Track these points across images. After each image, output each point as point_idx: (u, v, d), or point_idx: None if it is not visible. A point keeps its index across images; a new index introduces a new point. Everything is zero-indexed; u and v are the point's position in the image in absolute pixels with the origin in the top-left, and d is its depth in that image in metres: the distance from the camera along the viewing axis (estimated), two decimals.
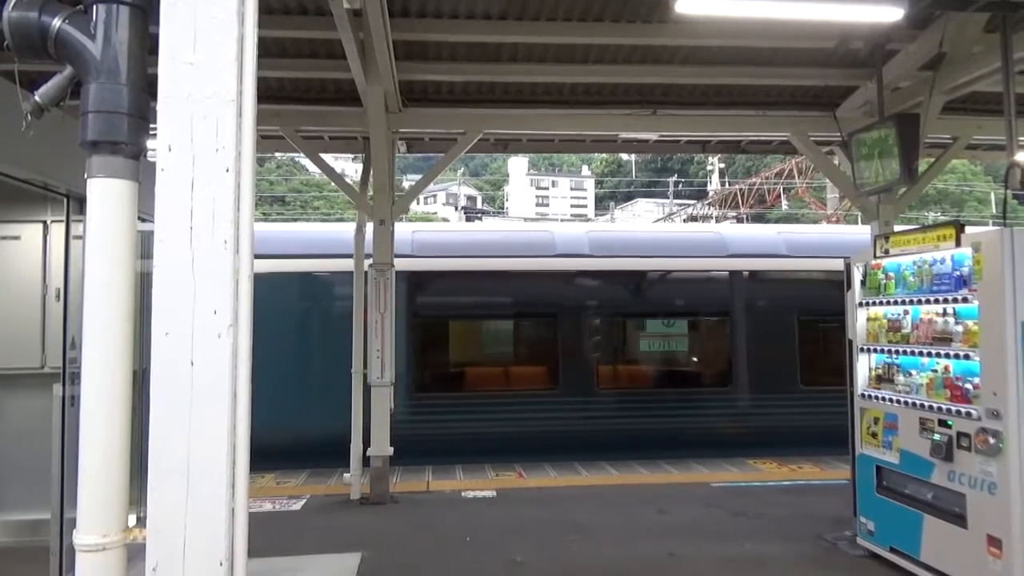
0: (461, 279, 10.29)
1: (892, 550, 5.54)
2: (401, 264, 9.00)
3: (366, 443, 7.77)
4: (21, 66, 2.53)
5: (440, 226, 15.71)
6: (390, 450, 7.73)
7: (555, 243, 10.64)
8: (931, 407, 5.19)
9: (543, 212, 73.30)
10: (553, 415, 9.77)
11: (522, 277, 10.36)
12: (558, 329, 10.23)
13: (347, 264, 8.48)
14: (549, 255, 10.40)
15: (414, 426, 9.33)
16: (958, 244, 5.00)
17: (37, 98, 2.54)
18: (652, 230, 16.99)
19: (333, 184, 10.57)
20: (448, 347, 10.72)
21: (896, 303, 5.69)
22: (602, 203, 67.43)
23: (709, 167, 40.96)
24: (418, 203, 54.30)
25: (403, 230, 9.98)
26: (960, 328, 5.03)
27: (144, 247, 2.63)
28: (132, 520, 2.40)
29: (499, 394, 10.11)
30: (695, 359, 10.88)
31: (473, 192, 71.41)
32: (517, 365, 10.56)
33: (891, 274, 5.80)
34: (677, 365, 10.77)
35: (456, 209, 55.62)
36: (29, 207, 5.38)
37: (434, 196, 68.33)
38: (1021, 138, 6.08)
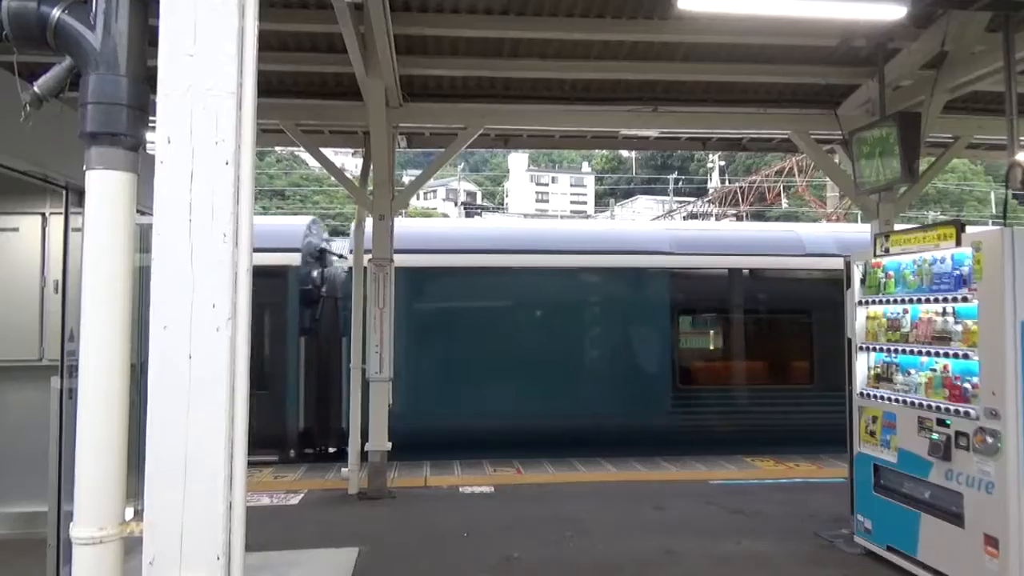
0: (716, 275, 10.67)
1: (889, 548, 5.54)
2: (661, 261, 9.86)
3: (365, 438, 7.78)
4: (20, 57, 2.52)
5: (693, 224, 16.10)
6: (388, 445, 7.73)
7: (803, 243, 10.93)
8: (930, 406, 5.19)
9: (543, 209, 73.29)
10: (809, 409, 9.90)
11: (776, 275, 10.76)
12: (812, 325, 10.49)
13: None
14: (799, 254, 10.69)
15: (678, 417, 9.82)
16: (958, 243, 5.00)
17: (36, 89, 2.53)
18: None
19: (333, 179, 10.55)
20: (709, 341, 10.92)
21: (896, 302, 5.69)
22: (602, 200, 67.46)
23: (709, 164, 40.99)
24: (418, 198, 54.32)
25: (657, 228, 10.58)
26: (959, 327, 5.03)
27: (143, 240, 2.62)
28: (130, 513, 2.39)
29: (760, 388, 10.44)
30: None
31: (473, 188, 71.37)
32: (773, 360, 10.79)
33: (891, 273, 5.79)
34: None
35: (456, 205, 55.59)
36: (28, 199, 5.36)
37: (434, 191, 68.29)
38: (1022, 138, 6.07)
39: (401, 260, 8.28)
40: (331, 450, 10.26)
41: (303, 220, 10.99)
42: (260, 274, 7.62)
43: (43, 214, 5.45)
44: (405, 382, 9.35)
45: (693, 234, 11.65)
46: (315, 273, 10.50)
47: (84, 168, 2.34)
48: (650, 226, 14.38)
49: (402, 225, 8.93)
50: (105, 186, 2.32)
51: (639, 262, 10.38)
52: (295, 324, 9.88)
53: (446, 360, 9.92)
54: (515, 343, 9.99)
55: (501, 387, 9.81)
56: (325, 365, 10.15)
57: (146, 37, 2.44)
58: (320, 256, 10.67)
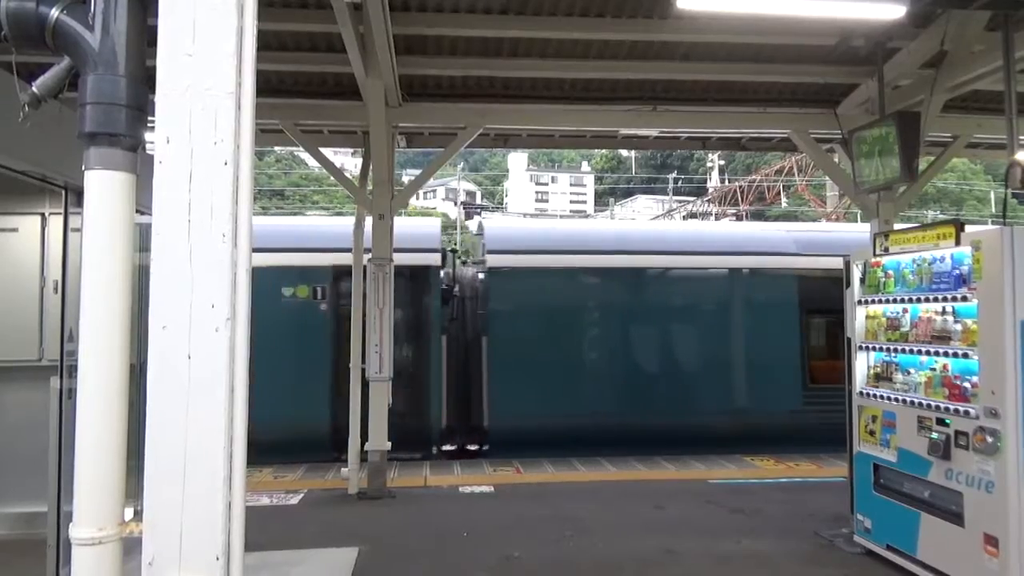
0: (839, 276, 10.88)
1: (889, 548, 5.54)
2: (788, 262, 10.01)
3: (364, 438, 7.78)
4: (19, 57, 2.52)
5: (813, 226, 16.26)
6: (387, 444, 7.73)
7: None
8: (929, 405, 5.19)
9: (542, 208, 73.27)
10: None
11: None
12: None
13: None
14: None
15: (806, 416, 9.84)
16: (958, 243, 4.99)
17: (35, 89, 2.52)
18: None
19: (332, 178, 10.56)
20: (835, 341, 10.83)
21: (895, 301, 5.69)
22: (602, 199, 67.41)
23: (709, 164, 40.97)
24: (417, 198, 54.27)
25: (777, 229, 10.88)
26: (959, 327, 5.03)
27: (142, 240, 2.62)
28: (129, 514, 2.39)
29: None
30: None
31: (472, 187, 71.34)
32: None
33: (890, 272, 5.79)
34: None
35: (455, 204, 55.58)
36: (27, 199, 5.36)
37: (433, 191, 68.26)
38: (1021, 137, 6.07)
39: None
40: (471, 447, 10.45)
41: (434, 222, 11.22)
42: (406, 275, 7.97)
43: (42, 214, 5.45)
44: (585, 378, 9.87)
45: (813, 235, 11.69)
46: (451, 273, 10.70)
47: (83, 168, 2.33)
48: (766, 228, 14.43)
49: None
50: (104, 186, 2.32)
51: (767, 263, 10.54)
52: (438, 323, 10.04)
53: (596, 358, 10.22)
54: (655, 344, 10.25)
55: (642, 386, 10.03)
56: (465, 363, 10.34)
57: (145, 37, 2.44)
58: (446, 257, 10.85)
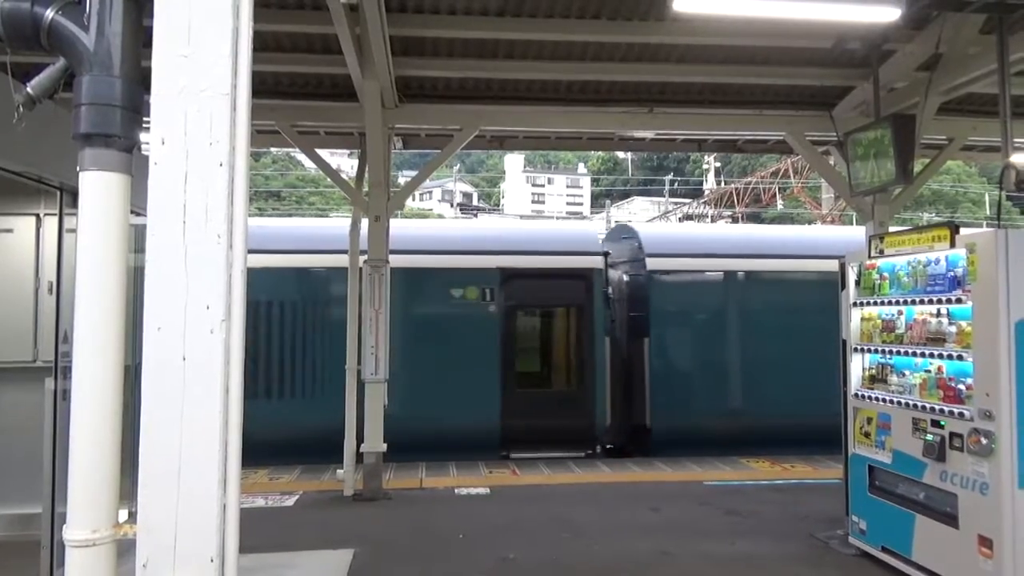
0: None
1: (884, 549, 5.55)
2: None
3: (359, 439, 7.77)
4: (14, 57, 2.51)
5: None
6: (383, 446, 7.72)
7: None
8: (924, 407, 5.20)
9: (539, 210, 73.30)
10: None
11: None
12: None
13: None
14: None
15: None
16: (952, 245, 5.01)
17: (29, 90, 2.52)
18: None
19: (329, 180, 10.57)
20: None
21: (890, 303, 5.70)
22: (598, 201, 67.45)
23: (705, 166, 41.04)
24: (414, 199, 54.31)
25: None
26: (954, 329, 5.04)
27: (137, 241, 2.61)
28: (124, 515, 2.38)
29: None
30: None
31: (469, 189, 71.35)
32: None
33: (886, 274, 5.80)
34: None
35: (452, 206, 55.60)
36: (22, 200, 5.35)
37: (429, 193, 68.24)
38: (1016, 140, 6.10)
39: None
40: (633, 447, 10.55)
41: (590, 225, 11.41)
42: (571, 276, 8.94)
43: (37, 215, 5.44)
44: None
45: None
46: (612, 275, 10.85)
47: (78, 169, 2.33)
48: None
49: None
50: (99, 187, 2.31)
51: None
52: (601, 324, 10.18)
53: (754, 358, 10.27)
54: (815, 343, 10.04)
55: (803, 385, 9.82)
56: (627, 364, 10.50)
57: (140, 38, 2.44)
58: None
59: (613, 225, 14.44)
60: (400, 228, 9.24)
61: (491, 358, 9.82)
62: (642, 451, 10.11)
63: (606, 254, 10.63)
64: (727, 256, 10.65)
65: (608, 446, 10.45)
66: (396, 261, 8.31)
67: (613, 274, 10.91)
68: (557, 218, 53.73)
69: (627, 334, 10.71)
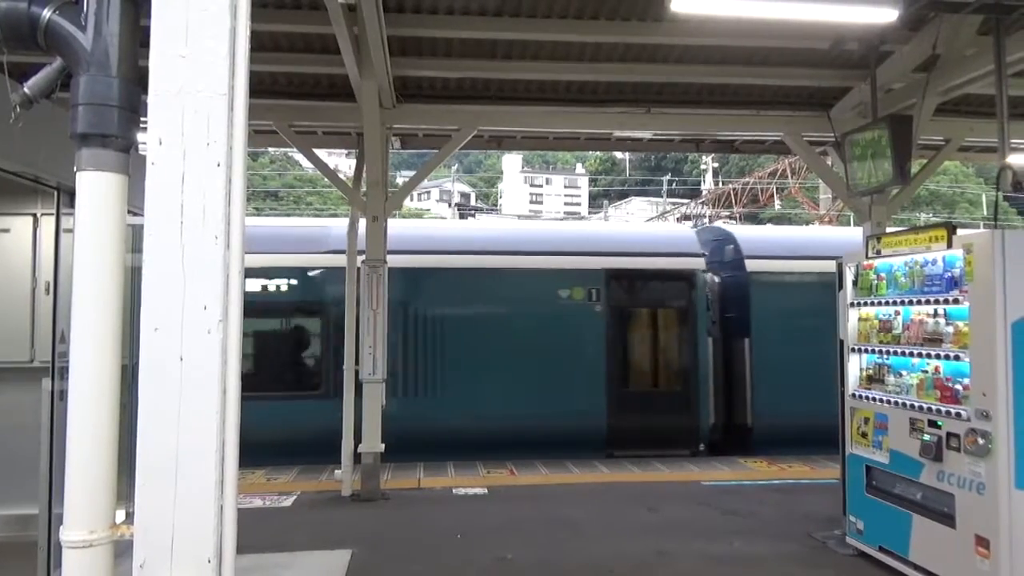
0: None
1: (881, 549, 5.56)
2: None
3: (357, 440, 7.77)
4: (10, 57, 2.51)
5: None
6: (381, 446, 7.71)
7: None
8: (921, 407, 5.21)
9: (537, 210, 73.32)
10: None
11: None
12: None
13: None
14: None
15: None
16: (949, 245, 5.02)
17: (26, 90, 2.51)
18: None
19: (327, 180, 10.57)
20: None
21: (887, 303, 5.71)
22: (596, 201, 67.49)
23: (703, 166, 41.10)
24: (412, 199, 54.27)
25: None
26: (951, 329, 5.05)
27: (134, 241, 2.61)
28: (121, 516, 2.37)
29: None
30: None
31: (467, 189, 71.35)
32: None
33: (883, 275, 5.81)
34: None
35: (450, 206, 55.58)
36: (19, 200, 5.34)
37: (428, 193, 68.24)
38: (1013, 141, 6.11)
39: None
40: (733, 447, 10.60)
41: (685, 227, 11.58)
42: (673, 278, 9.38)
43: (34, 215, 5.42)
44: None
45: None
46: (710, 277, 10.98)
47: (75, 169, 2.32)
48: None
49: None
50: (96, 187, 2.31)
51: None
52: (703, 325, 10.33)
53: None
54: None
55: None
56: (728, 364, 10.61)
57: (137, 38, 2.43)
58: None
59: (699, 227, 14.65)
60: (511, 229, 9.36)
61: (598, 358, 9.98)
62: (743, 450, 10.19)
63: (705, 256, 10.80)
64: (823, 258, 10.74)
65: (704, 446, 10.51)
66: (506, 262, 8.95)
67: (711, 275, 11.04)
68: (554, 218, 53.69)
69: (728, 334, 10.82)
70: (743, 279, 10.65)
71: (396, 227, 9.31)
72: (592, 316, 10.03)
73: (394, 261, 8.36)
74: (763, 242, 11.78)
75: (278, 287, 9.76)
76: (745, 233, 12.60)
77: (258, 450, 6.84)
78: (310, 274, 9.82)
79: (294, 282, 9.81)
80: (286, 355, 10.01)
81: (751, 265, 10.64)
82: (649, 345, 10.67)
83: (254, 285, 9.34)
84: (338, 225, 9.97)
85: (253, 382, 8.17)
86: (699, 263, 10.49)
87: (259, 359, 9.64)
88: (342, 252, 8.42)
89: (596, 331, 10.03)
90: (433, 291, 9.87)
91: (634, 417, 9.96)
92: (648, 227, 15.90)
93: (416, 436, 8.92)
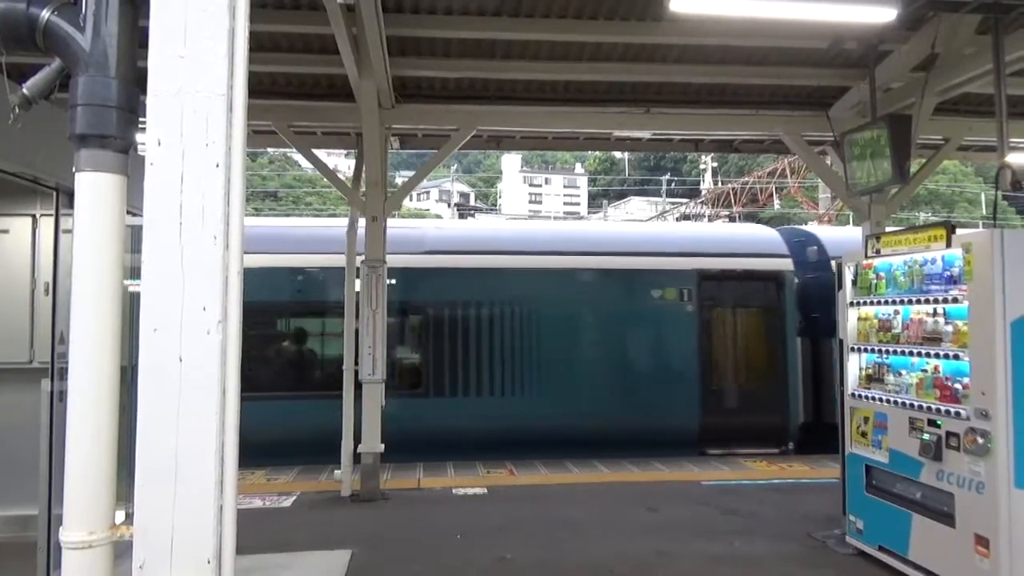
0: None
1: (881, 549, 5.56)
2: None
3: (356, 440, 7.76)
4: (9, 58, 2.51)
5: None
6: (381, 447, 7.70)
7: None
8: (921, 407, 5.21)
9: (536, 210, 73.31)
10: None
11: None
12: None
13: None
14: None
15: None
16: (949, 245, 5.02)
17: (25, 90, 2.51)
18: None
19: (326, 180, 10.58)
20: None
21: (887, 303, 5.71)
22: (595, 201, 67.48)
23: (702, 166, 41.06)
24: (411, 199, 54.29)
25: None
26: (950, 328, 5.05)
27: (133, 242, 2.60)
28: (120, 517, 2.37)
29: None
30: None
31: (466, 189, 71.33)
32: None
33: (882, 274, 5.82)
34: None
35: (449, 206, 55.57)
36: (18, 200, 5.33)
37: (427, 192, 68.22)
38: (1012, 140, 6.12)
39: None
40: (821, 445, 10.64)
41: (766, 228, 12.12)
42: (762, 278, 9.70)
43: (33, 216, 5.42)
44: None
45: None
46: (799, 277, 11.06)
47: (74, 170, 2.32)
48: None
49: None
50: (95, 188, 2.30)
51: None
52: (792, 325, 10.45)
53: None
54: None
55: None
56: (816, 363, 10.67)
57: (136, 38, 2.43)
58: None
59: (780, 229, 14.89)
60: (611, 230, 9.47)
61: (691, 358, 10.11)
62: (831, 449, 10.21)
63: (791, 256, 10.89)
64: None
65: (792, 444, 10.63)
66: (603, 263, 9.30)
67: (798, 276, 11.12)
68: (553, 218, 53.68)
69: (814, 334, 10.86)
70: (829, 280, 10.73)
71: (507, 227, 9.36)
72: (684, 316, 10.20)
73: (507, 263, 9.00)
74: (846, 243, 11.87)
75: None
76: (828, 234, 12.73)
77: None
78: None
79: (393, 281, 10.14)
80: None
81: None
82: (740, 345, 10.75)
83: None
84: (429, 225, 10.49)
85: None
86: (787, 264, 10.63)
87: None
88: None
89: (688, 331, 10.19)
90: (531, 291, 10.10)
91: (725, 415, 10.14)
92: (734, 228, 16.04)
93: (511, 435, 9.25)
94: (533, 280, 10.06)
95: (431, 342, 9.85)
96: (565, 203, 78.32)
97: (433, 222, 10.52)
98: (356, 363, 7.85)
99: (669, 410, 9.86)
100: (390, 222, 8.20)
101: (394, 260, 8.58)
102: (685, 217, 28.15)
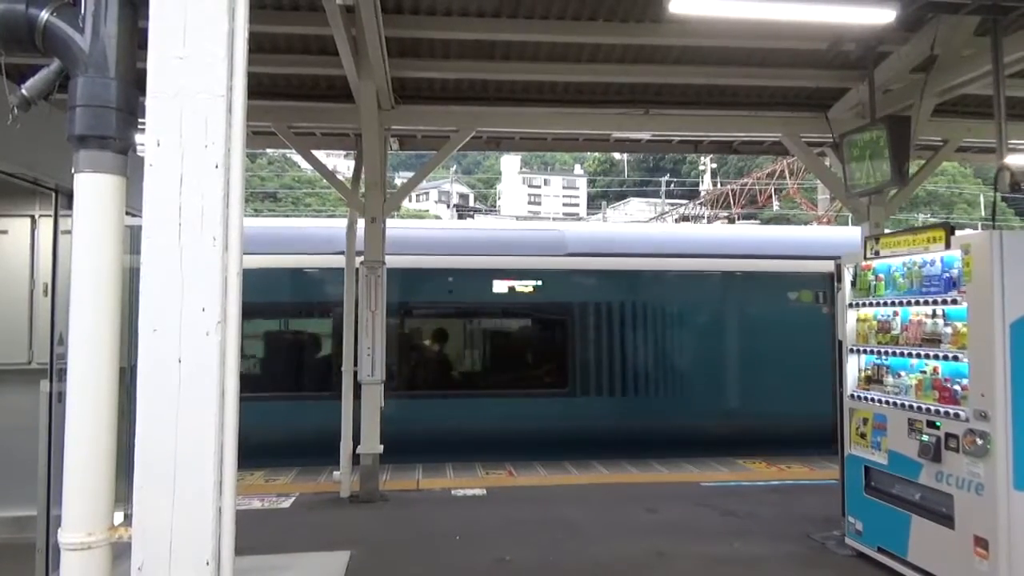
0: None
1: (880, 550, 5.56)
2: None
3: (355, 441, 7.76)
4: (8, 59, 2.50)
5: None
6: (380, 448, 7.70)
7: None
8: (920, 408, 5.21)
9: (535, 211, 73.29)
10: None
11: None
12: None
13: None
14: None
15: None
16: (948, 246, 5.02)
17: (24, 91, 2.50)
18: None
19: (325, 181, 10.58)
20: None
21: (886, 304, 5.71)
22: (594, 202, 67.51)
23: (701, 167, 41.10)
24: (410, 200, 54.30)
25: None
26: (949, 329, 5.05)
27: (132, 243, 2.60)
28: (119, 518, 2.37)
29: None
30: None
31: (465, 190, 71.29)
32: None
33: (881, 275, 5.82)
34: None
35: (448, 207, 55.55)
36: (17, 201, 5.32)
37: (426, 194, 68.21)
38: (1011, 141, 6.12)
39: None
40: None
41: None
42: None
43: (32, 216, 5.41)
44: None
45: None
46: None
47: (73, 171, 2.32)
48: None
49: None
50: (94, 189, 2.30)
51: None
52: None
53: None
54: None
55: None
56: None
57: (135, 39, 2.43)
58: None
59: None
60: (743, 233, 9.52)
61: (826, 358, 10.11)
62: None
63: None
64: None
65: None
66: (741, 266, 9.60)
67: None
68: (553, 219, 53.70)
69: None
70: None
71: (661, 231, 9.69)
72: (820, 317, 10.24)
73: (651, 265, 9.34)
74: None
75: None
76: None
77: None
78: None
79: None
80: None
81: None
82: None
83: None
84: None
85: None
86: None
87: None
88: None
89: (824, 331, 10.21)
90: (685, 294, 10.43)
91: None
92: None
93: (660, 433, 9.70)
94: (682, 283, 10.52)
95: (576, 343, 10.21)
96: (564, 204, 78.30)
97: (567, 224, 11.31)
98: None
99: (808, 411, 9.80)
100: (522, 224, 8.44)
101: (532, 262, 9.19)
102: (684, 218, 28.13)
